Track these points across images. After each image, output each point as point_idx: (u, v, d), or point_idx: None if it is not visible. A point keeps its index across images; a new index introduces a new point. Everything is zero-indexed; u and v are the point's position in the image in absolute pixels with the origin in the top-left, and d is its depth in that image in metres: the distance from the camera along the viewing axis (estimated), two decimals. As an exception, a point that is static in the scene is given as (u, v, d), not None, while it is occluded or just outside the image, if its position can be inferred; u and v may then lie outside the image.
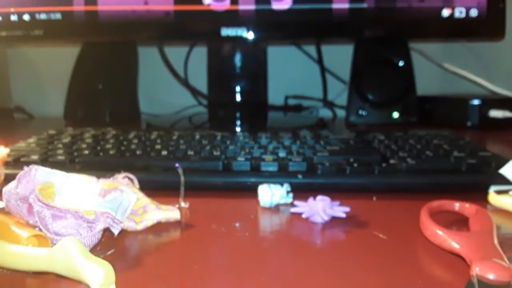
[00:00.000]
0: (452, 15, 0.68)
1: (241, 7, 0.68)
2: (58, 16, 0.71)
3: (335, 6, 0.68)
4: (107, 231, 0.32)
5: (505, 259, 0.26)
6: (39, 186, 0.31)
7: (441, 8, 0.68)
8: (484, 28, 0.69)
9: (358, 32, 0.72)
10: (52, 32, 0.71)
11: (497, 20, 0.68)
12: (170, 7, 0.69)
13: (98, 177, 0.36)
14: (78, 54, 0.82)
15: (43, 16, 0.71)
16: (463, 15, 0.68)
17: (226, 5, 0.68)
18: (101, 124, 0.71)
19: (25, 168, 0.32)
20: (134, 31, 0.71)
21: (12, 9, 0.71)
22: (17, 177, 0.32)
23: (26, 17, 0.71)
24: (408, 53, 0.77)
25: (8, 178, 0.33)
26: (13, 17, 0.71)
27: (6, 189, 0.32)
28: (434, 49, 0.89)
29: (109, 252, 0.30)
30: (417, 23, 0.68)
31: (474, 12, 0.68)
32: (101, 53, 0.81)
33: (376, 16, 0.68)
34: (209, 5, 0.69)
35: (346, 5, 0.68)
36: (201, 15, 0.69)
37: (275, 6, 0.68)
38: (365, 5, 0.68)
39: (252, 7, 0.68)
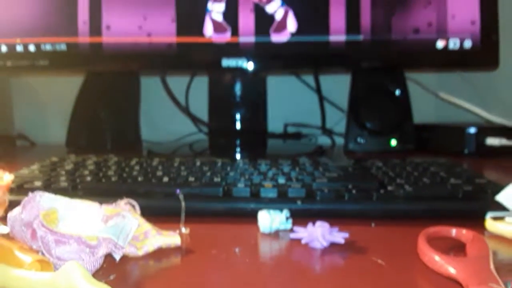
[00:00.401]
0: (446, 46, 0.70)
1: (242, 39, 0.70)
2: (63, 47, 0.72)
3: (332, 38, 0.70)
4: (109, 256, 0.32)
5: (501, 284, 0.26)
6: (43, 212, 0.32)
7: (436, 40, 0.70)
8: (478, 58, 0.70)
9: (355, 63, 0.73)
10: (57, 63, 0.73)
11: (491, 50, 0.70)
12: (173, 39, 0.71)
13: (101, 203, 0.36)
14: (82, 83, 0.84)
15: (48, 47, 0.73)
16: (457, 46, 0.70)
17: (227, 37, 0.71)
18: (102, 151, 0.72)
19: (30, 194, 0.33)
20: (138, 62, 0.73)
21: (18, 40, 0.73)
22: (22, 203, 0.32)
23: (31, 47, 0.73)
24: (404, 82, 0.79)
25: (12, 204, 0.34)
26: (19, 48, 0.73)
27: (11, 214, 0.32)
28: (430, 79, 0.91)
29: (111, 277, 0.30)
30: (412, 54, 0.70)
31: (468, 43, 0.70)
32: (104, 81, 0.83)
33: (372, 48, 0.70)
34: (210, 37, 0.71)
35: (342, 38, 0.70)
36: (202, 47, 0.71)
37: (274, 38, 0.70)
38: (361, 38, 0.70)
39: (252, 39, 0.70)
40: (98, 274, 0.31)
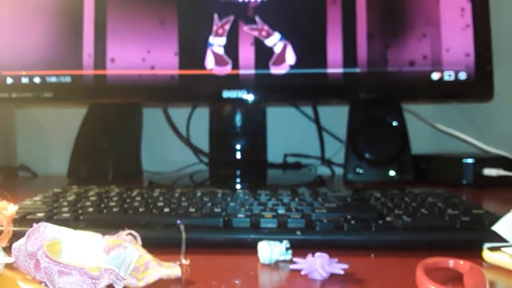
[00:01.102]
0: (441, 78, 0.72)
1: (242, 71, 0.72)
2: (68, 79, 0.74)
3: (330, 70, 0.72)
4: (110, 287, 0.32)
5: (498, 314, 0.27)
6: (47, 243, 0.32)
7: (431, 72, 0.72)
8: (473, 90, 0.72)
9: (352, 95, 0.75)
10: (61, 95, 0.75)
11: (486, 82, 0.71)
12: (175, 71, 0.73)
13: (103, 234, 0.37)
14: (85, 114, 0.85)
15: (53, 79, 0.75)
16: (452, 78, 0.72)
17: (227, 69, 0.73)
18: (104, 182, 0.73)
19: (34, 225, 0.34)
20: (141, 94, 0.75)
21: (23, 72, 0.75)
22: (27, 233, 0.33)
23: (36, 79, 0.75)
24: (401, 113, 0.80)
25: (16, 235, 0.35)
26: (24, 80, 0.75)
27: (15, 245, 0.33)
28: (426, 110, 0.93)
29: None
30: (408, 86, 0.72)
31: (462, 75, 0.72)
32: (107, 113, 0.85)
33: (369, 79, 0.72)
34: (211, 69, 0.73)
35: (340, 70, 0.72)
36: (204, 79, 0.73)
37: (274, 70, 0.72)
38: (358, 70, 0.72)
39: (252, 71, 0.72)
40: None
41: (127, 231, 0.39)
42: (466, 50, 0.71)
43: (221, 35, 0.73)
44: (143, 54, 0.73)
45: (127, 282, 0.34)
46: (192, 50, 0.73)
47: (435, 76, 0.72)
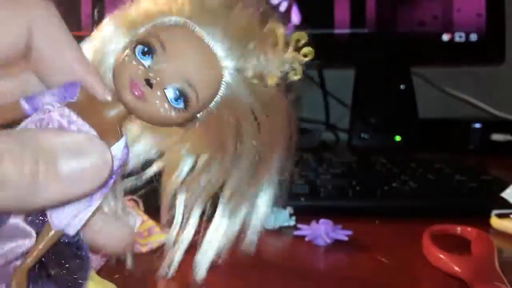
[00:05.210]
0: (452, 39, 0.69)
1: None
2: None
3: (336, 31, 0.69)
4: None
5: (506, 282, 0.26)
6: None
7: (441, 33, 0.69)
8: (483, 52, 0.70)
9: (359, 57, 0.73)
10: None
11: (497, 44, 0.69)
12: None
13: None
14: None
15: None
16: (463, 39, 0.69)
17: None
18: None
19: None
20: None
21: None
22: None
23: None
24: (410, 77, 0.78)
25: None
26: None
27: None
28: (435, 73, 0.90)
29: (115, 277, 0.30)
30: (418, 47, 0.70)
31: (474, 37, 0.69)
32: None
33: (377, 40, 0.69)
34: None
35: (347, 30, 0.69)
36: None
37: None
38: (366, 30, 0.69)
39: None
40: (101, 273, 0.31)
41: (129, 197, 0.38)
42: (477, 10, 0.68)
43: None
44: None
45: (132, 247, 0.33)
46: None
47: (446, 37, 0.69)
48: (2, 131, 0.20)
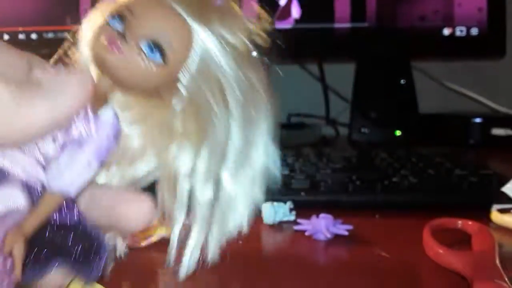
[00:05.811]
0: (452, 34, 0.69)
1: (245, 26, 0.69)
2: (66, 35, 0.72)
3: (337, 25, 0.69)
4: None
5: (506, 279, 0.26)
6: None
7: (442, 27, 0.69)
8: (484, 46, 0.69)
9: (359, 51, 0.73)
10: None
11: (498, 38, 0.69)
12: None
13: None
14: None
15: (50, 35, 0.72)
16: (464, 33, 0.69)
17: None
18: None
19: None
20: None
21: (20, 28, 0.73)
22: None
23: (34, 36, 0.73)
24: (410, 71, 0.78)
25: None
26: (21, 36, 0.73)
27: None
28: (436, 68, 0.90)
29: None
30: (418, 41, 0.69)
31: (474, 31, 0.69)
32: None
33: (378, 35, 0.69)
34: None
35: (347, 25, 0.69)
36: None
37: (278, 25, 0.69)
38: (366, 24, 0.69)
39: (255, 26, 0.69)
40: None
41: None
42: (478, 5, 0.68)
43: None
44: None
45: (129, 242, 0.33)
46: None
47: (446, 31, 0.69)
48: None
